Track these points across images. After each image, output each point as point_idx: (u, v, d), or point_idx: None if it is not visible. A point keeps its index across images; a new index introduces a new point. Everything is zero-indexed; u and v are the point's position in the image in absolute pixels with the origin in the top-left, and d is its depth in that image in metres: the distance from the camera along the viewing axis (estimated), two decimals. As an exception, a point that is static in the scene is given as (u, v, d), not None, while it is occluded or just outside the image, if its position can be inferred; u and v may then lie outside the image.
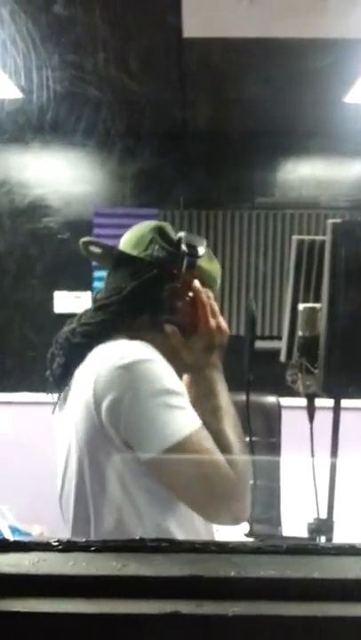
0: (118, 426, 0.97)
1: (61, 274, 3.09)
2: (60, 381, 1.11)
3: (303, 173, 3.11)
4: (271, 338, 3.02)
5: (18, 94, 2.23)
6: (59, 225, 3.05)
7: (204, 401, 1.05)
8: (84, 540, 0.63)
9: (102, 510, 1.04)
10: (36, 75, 1.77)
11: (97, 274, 3.03)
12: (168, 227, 1.15)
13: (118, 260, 1.13)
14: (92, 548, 0.62)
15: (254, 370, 1.22)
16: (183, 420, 0.96)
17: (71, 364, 1.08)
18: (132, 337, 1.07)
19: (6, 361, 3.16)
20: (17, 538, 2.69)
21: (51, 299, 3.13)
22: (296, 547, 0.63)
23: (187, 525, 1.06)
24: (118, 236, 3.24)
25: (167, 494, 1.02)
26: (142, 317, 1.10)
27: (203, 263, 1.12)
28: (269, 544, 0.63)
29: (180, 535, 1.04)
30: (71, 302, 3.11)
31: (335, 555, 0.62)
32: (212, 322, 1.08)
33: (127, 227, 3.26)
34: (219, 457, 0.96)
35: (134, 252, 1.11)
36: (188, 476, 0.96)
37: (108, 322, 1.08)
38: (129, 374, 0.97)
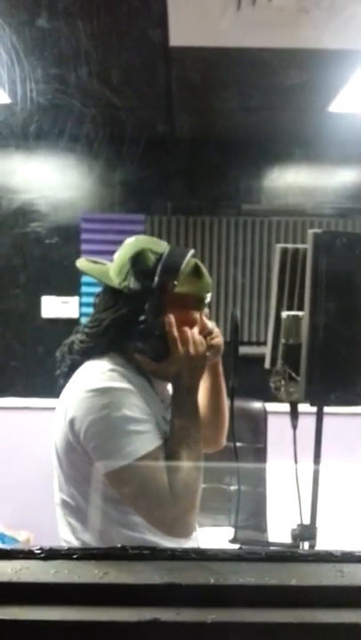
0: (80, 442, 1.08)
1: (49, 279, 3.09)
2: (64, 382, 1.19)
3: (289, 181, 3.14)
4: (258, 344, 3.04)
5: (5, 99, 2.24)
6: (46, 230, 3.05)
7: (173, 418, 1.14)
8: (67, 547, 0.63)
9: (80, 518, 1.13)
10: (22, 85, 1.78)
11: (85, 279, 3.04)
12: (148, 251, 1.14)
13: (105, 285, 1.18)
14: (75, 556, 0.63)
15: (240, 375, 1.25)
16: (135, 446, 1.05)
17: (69, 373, 1.18)
18: (125, 350, 1.16)
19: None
20: (2, 545, 2.68)
21: (38, 303, 3.12)
22: (275, 554, 0.64)
23: (162, 536, 1.11)
24: (105, 242, 3.23)
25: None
26: (121, 344, 1.16)
27: (184, 286, 1.13)
28: (249, 551, 0.65)
29: (156, 540, 1.10)
30: (59, 307, 3.10)
31: (313, 561, 0.63)
32: (182, 351, 1.11)
33: (114, 232, 3.26)
34: (159, 479, 1.05)
35: (116, 281, 1.14)
36: (135, 494, 1.07)
37: (93, 349, 1.17)
38: (92, 399, 1.07)
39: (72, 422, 1.07)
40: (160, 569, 0.61)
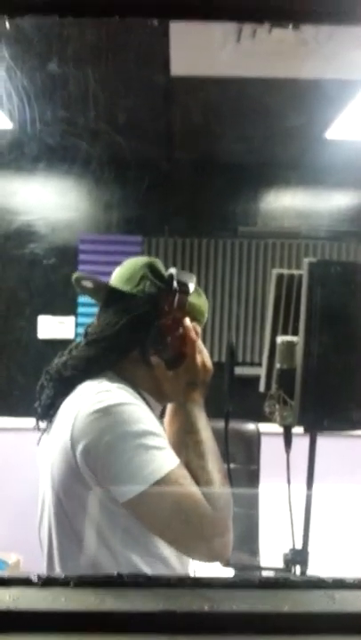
0: (95, 469, 0.98)
1: (46, 299, 3.11)
2: (47, 413, 1.13)
3: (285, 204, 3.19)
4: (252, 364, 3.06)
5: (8, 124, 2.28)
6: (44, 251, 3.07)
7: (185, 437, 1.07)
8: (64, 575, 0.64)
9: (75, 547, 1.05)
10: (27, 110, 1.83)
11: (82, 299, 3.06)
12: (159, 263, 1.18)
13: (110, 296, 1.16)
14: (72, 584, 0.63)
15: (235, 396, 1.25)
16: (160, 460, 0.97)
17: (59, 396, 1.10)
18: (120, 370, 1.11)
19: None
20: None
21: (35, 324, 3.14)
22: (268, 581, 0.66)
23: (159, 565, 1.06)
24: (103, 263, 3.25)
25: (142, 534, 1.03)
26: (133, 351, 1.12)
27: (192, 299, 1.15)
28: (243, 578, 0.66)
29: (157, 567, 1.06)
30: (55, 327, 3.12)
31: (305, 588, 0.65)
32: (198, 358, 1.10)
33: (112, 253, 3.30)
34: (197, 494, 0.96)
35: (126, 288, 1.13)
36: (168, 516, 0.97)
37: (99, 356, 1.10)
38: (104, 418, 0.98)
39: (85, 451, 0.98)
40: (155, 596, 0.62)
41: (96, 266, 3.01)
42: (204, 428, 1.08)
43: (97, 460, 0.98)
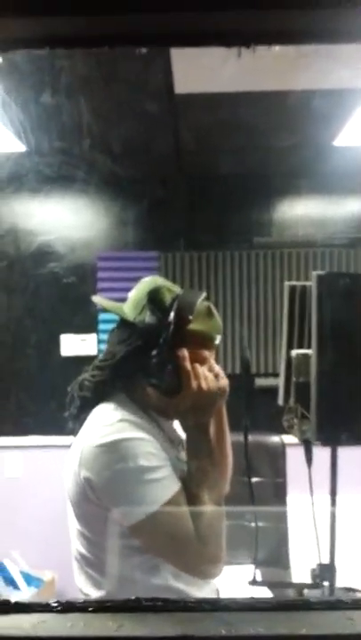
0: (99, 497, 1.08)
1: (67, 317, 3.15)
2: (72, 427, 1.21)
3: (299, 213, 3.18)
4: (274, 375, 3.04)
5: (22, 148, 2.34)
6: (64, 270, 3.11)
7: (188, 460, 1.14)
8: (82, 600, 0.65)
9: (98, 568, 1.13)
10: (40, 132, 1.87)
11: (102, 316, 3.09)
12: (164, 289, 1.18)
13: (120, 319, 1.20)
14: (90, 609, 0.64)
15: (258, 408, 1.26)
16: (155, 494, 1.05)
17: (81, 411, 1.19)
18: (131, 390, 1.18)
19: (16, 404, 3.19)
20: (25, 591, 2.67)
21: (57, 342, 3.18)
22: (286, 602, 0.65)
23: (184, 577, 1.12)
24: (121, 279, 3.29)
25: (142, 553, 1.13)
26: (134, 378, 1.17)
27: (198, 325, 1.14)
28: (260, 600, 0.66)
29: (179, 585, 1.10)
30: (77, 345, 3.16)
31: (323, 609, 0.64)
32: (194, 386, 1.11)
33: (129, 270, 3.32)
34: (185, 525, 1.05)
35: (131, 316, 1.16)
36: (160, 543, 1.08)
37: (107, 381, 1.18)
38: (105, 455, 1.07)
39: (87, 480, 1.07)
40: (173, 620, 0.62)
41: (115, 282, 3.04)
42: (206, 454, 1.13)
43: (98, 490, 1.07)
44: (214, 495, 1.10)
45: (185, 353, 1.12)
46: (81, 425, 1.16)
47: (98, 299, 1.25)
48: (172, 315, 1.11)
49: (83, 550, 1.14)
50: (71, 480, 1.12)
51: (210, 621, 0.62)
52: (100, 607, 0.64)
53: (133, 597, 0.65)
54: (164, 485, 1.06)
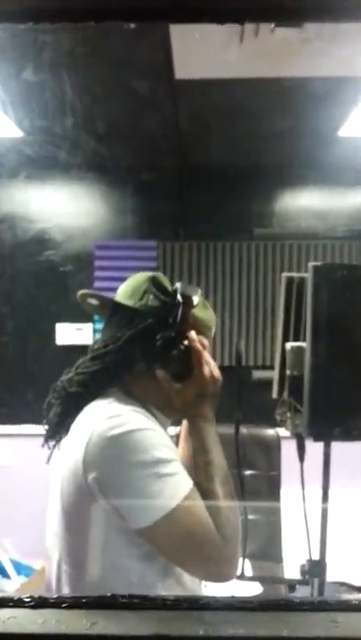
0: (108, 496, 0.98)
1: (63, 306, 3.12)
2: (56, 430, 1.12)
3: (301, 204, 3.14)
4: (272, 368, 3.01)
5: (18, 133, 2.30)
6: (61, 258, 3.09)
7: (196, 455, 1.06)
8: (56, 596, 0.62)
9: (82, 567, 1.05)
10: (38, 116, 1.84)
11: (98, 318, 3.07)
12: (163, 277, 1.16)
13: (114, 310, 1.15)
14: (64, 605, 0.62)
15: (253, 401, 1.23)
16: (173, 490, 0.97)
17: (68, 413, 1.09)
18: (126, 386, 1.10)
19: (9, 393, 3.17)
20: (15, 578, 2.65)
21: (53, 330, 3.16)
22: (268, 602, 0.63)
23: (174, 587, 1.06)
24: (118, 268, 3.26)
25: (153, 559, 1.03)
26: (137, 365, 1.11)
27: (197, 312, 1.12)
28: (241, 599, 0.63)
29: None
30: (73, 334, 3.13)
31: (307, 610, 0.62)
32: (206, 370, 1.07)
33: (127, 259, 3.30)
34: (207, 524, 0.97)
35: (130, 303, 1.12)
36: (179, 545, 0.98)
37: (104, 370, 1.09)
38: (116, 447, 0.97)
39: (96, 480, 0.97)
40: (149, 619, 0.59)
41: (112, 272, 3.01)
42: (214, 446, 1.06)
43: (109, 488, 0.98)
44: (228, 488, 1.03)
45: (194, 334, 1.08)
46: (67, 427, 1.08)
47: (86, 293, 1.17)
48: (178, 296, 1.07)
49: (71, 552, 1.07)
50: (69, 478, 1.02)
51: (188, 621, 0.59)
52: (74, 603, 0.62)
53: (109, 594, 0.63)
54: (179, 481, 0.98)
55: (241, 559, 1.03)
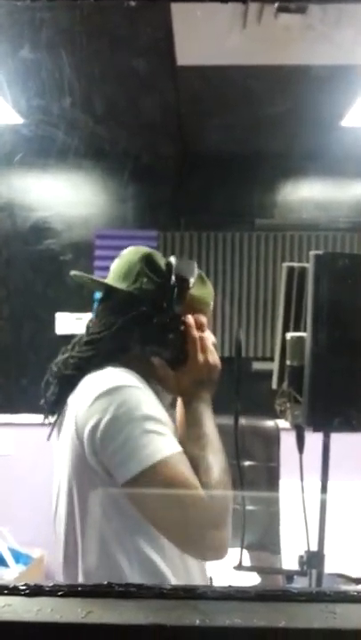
0: (96, 451, 0.97)
1: (63, 295, 3.11)
2: (54, 409, 1.13)
3: (302, 195, 3.12)
4: (272, 359, 3.01)
5: (18, 120, 2.28)
6: (61, 247, 3.08)
7: (189, 429, 1.04)
8: (52, 584, 0.62)
9: (89, 539, 1.04)
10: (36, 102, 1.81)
11: (98, 295, 3.05)
12: (157, 255, 1.14)
13: (108, 293, 1.14)
14: (60, 593, 0.61)
15: (252, 392, 1.22)
16: (160, 445, 0.95)
17: (63, 392, 1.10)
18: (125, 364, 1.08)
19: (8, 382, 3.17)
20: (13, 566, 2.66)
21: (52, 320, 3.15)
22: (265, 593, 0.62)
23: (175, 559, 1.04)
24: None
25: (155, 538, 1.01)
26: (132, 350, 1.10)
27: (194, 290, 1.10)
28: (239, 589, 0.62)
29: (166, 568, 1.03)
30: (72, 323, 3.12)
31: (304, 601, 0.61)
32: (201, 357, 1.06)
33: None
34: (193, 481, 0.94)
35: (123, 285, 1.10)
36: (162, 501, 0.94)
37: (99, 357, 1.08)
38: (107, 399, 0.97)
39: (87, 434, 0.97)
40: (146, 608, 0.59)
41: (112, 261, 2.99)
42: (208, 421, 1.05)
43: (98, 441, 0.96)
44: (220, 460, 1.00)
45: (190, 319, 1.07)
46: (64, 403, 1.09)
47: (77, 274, 1.16)
48: (172, 278, 1.05)
49: (72, 524, 1.06)
50: (69, 449, 1.02)
51: (185, 610, 0.58)
52: (70, 592, 0.61)
53: (106, 582, 0.62)
54: (167, 441, 0.96)
55: (239, 548, 1.01)
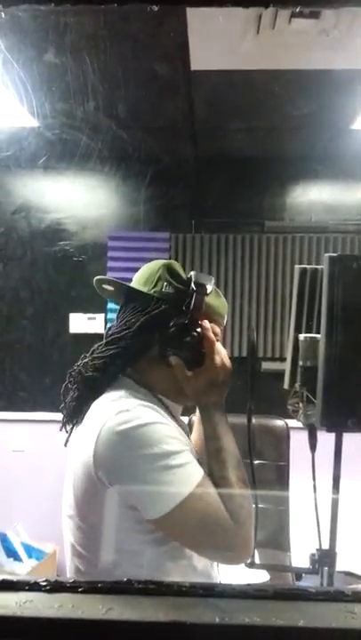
0: (119, 489, 1.00)
1: (77, 295, 3.14)
2: (74, 414, 1.14)
3: (312, 198, 3.12)
4: (282, 359, 3.01)
5: (34, 123, 2.29)
6: (75, 248, 3.10)
7: (207, 442, 1.08)
8: (72, 580, 0.63)
9: (93, 551, 1.06)
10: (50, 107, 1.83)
11: (110, 302, 3.08)
12: (177, 265, 1.18)
13: (129, 297, 1.17)
14: (80, 589, 0.62)
15: (263, 391, 1.22)
16: (183, 480, 0.99)
17: (84, 397, 1.11)
18: (138, 372, 1.12)
19: (23, 380, 3.19)
20: (23, 558, 2.67)
21: (66, 320, 3.17)
22: (283, 592, 0.63)
23: (182, 560, 1.07)
24: (131, 259, 3.28)
25: (165, 543, 1.04)
26: (151, 350, 1.13)
27: (210, 300, 1.14)
28: (257, 588, 0.63)
29: (174, 569, 1.06)
30: (85, 323, 3.15)
31: (323, 601, 0.61)
32: (217, 359, 1.08)
33: (140, 250, 3.31)
34: (220, 510, 0.99)
35: (144, 289, 1.14)
36: (193, 532, 1.00)
37: (119, 355, 1.11)
38: (127, 441, 0.99)
39: (106, 472, 0.99)
40: (165, 605, 0.60)
41: (125, 262, 3.02)
42: (225, 432, 1.08)
43: (120, 482, 1.00)
44: (240, 474, 1.05)
45: (207, 323, 1.10)
46: (83, 412, 1.10)
47: (102, 278, 1.19)
48: (192, 284, 1.09)
49: (81, 544, 1.08)
50: (80, 468, 1.04)
51: (203, 608, 0.59)
52: (90, 588, 0.62)
53: (125, 579, 0.63)
54: (189, 471, 1.00)
55: (252, 550, 1.04)
